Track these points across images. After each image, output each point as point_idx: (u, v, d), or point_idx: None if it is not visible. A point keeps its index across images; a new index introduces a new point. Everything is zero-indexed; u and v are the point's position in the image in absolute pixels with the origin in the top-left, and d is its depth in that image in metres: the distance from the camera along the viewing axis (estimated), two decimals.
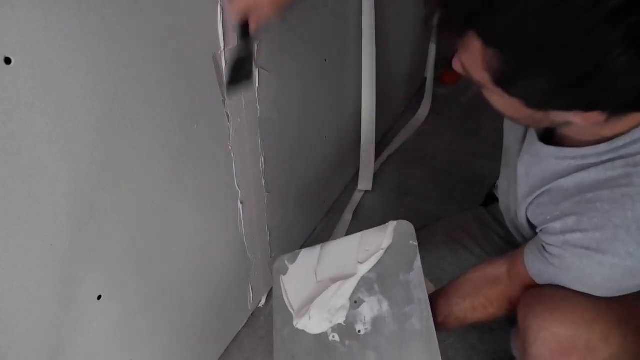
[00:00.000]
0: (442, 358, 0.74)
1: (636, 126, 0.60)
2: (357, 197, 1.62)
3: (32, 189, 0.57)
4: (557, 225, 0.67)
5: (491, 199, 1.11)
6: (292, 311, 0.87)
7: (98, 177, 0.66)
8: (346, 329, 0.80)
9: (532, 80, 0.52)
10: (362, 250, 0.86)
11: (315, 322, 0.82)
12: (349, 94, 1.51)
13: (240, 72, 0.80)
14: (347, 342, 0.80)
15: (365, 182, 1.66)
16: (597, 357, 0.65)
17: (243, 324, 1.21)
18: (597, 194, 0.62)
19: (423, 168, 1.83)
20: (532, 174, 0.75)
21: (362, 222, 1.52)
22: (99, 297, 0.72)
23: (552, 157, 0.70)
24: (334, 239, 1.45)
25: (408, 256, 0.81)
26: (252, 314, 1.24)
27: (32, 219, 0.58)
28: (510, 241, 0.99)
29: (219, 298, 1.06)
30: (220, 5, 0.78)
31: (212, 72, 0.82)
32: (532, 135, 0.74)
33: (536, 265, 0.72)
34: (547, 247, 0.70)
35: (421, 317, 0.77)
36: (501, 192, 0.94)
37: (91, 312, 0.72)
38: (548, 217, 0.70)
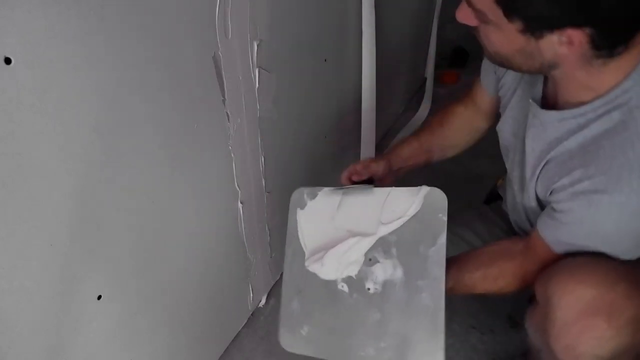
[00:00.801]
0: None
1: (624, 78, 0.65)
2: None
3: (32, 189, 0.57)
4: (565, 180, 0.71)
5: (494, 198, 1.12)
6: (305, 250, 0.85)
7: (98, 177, 0.66)
8: (356, 283, 0.80)
9: None
10: (387, 209, 0.83)
11: (327, 269, 0.82)
12: (349, 94, 1.51)
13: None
14: (354, 295, 0.79)
15: None
16: (621, 315, 0.67)
17: (243, 324, 1.21)
18: (599, 144, 0.67)
19: (423, 168, 1.82)
20: (538, 146, 0.78)
21: None
22: (99, 297, 0.72)
23: (555, 121, 0.74)
24: None
25: (433, 229, 0.78)
26: (252, 314, 1.24)
27: (32, 219, 0.58)
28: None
29: (219, 298, 1.06)
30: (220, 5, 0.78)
31: (212, 72, 0.82)
32: (535, 109, 0.78)
33: (551, 232, 0.75)
34: (556, 205, 0.72)
35: (432, 294, 0.75)
36: (508, 187, 0.95)
37: (91, 312, 0.72)
38: (556, 179, 0.73)
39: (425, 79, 2.23)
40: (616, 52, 0.63)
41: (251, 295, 1.19)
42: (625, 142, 0.65)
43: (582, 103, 0.70)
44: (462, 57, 2.62)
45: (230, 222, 1.02)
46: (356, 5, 1.38)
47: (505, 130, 0.90)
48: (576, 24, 0.60)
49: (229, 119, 0.90)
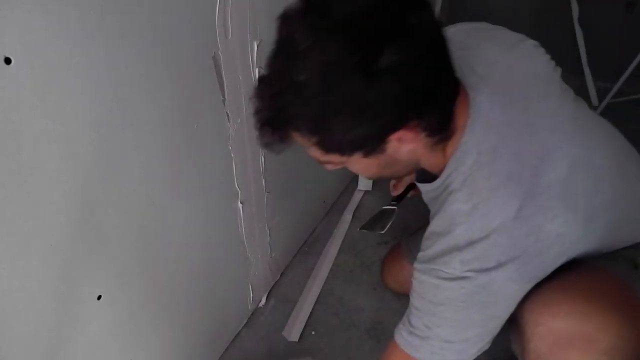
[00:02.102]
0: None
1: (450, 156, 0.69)
2: (357, 197, 1.62)
3: (32, 189, 0.57)
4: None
5: None
6: None
7: (98, 177, 0.66)
8: None
9: (340, 131, 0.59)
10: None
11: None
12: None
13: (377, 223, 1.11)
14: None
15: (365, 182, 1.66)
16: (596, 348, 0.65)
17: (243, 324, 1.21)
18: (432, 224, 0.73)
19: None
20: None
21: (362, 222, 1.52)
22: (99, 297, 0.72)
23: (426, 191, 0.79)
24: (334, 239, 1.46)
25: None
26: (252, 314, 1.24)
27: (32, 219, 0.58)
28: None
29: (219, 298, 1.06)
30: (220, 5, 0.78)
31: (212, 72, 0.82)
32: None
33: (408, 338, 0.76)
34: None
35: None
36: None
37: (91, 312, 0.72)
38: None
39: None
40: (447, 135, 0.66)
41: (251, 295, 1.19)
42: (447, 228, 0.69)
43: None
44: None
45: (230, 222, 1.02)
46: None
47: None
48: (396, 128, 0.61)
49: (229, 119, 0.90)
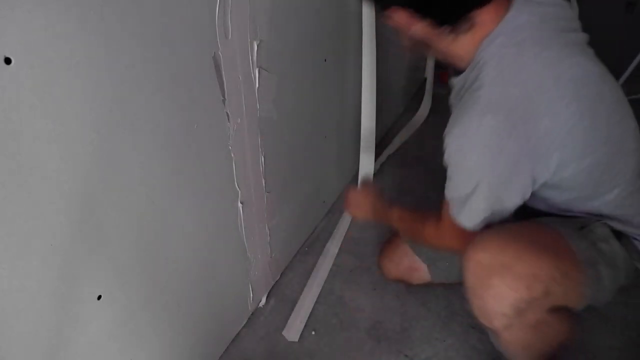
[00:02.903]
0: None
1: (475, 48, 0.83)
2: None
3: (32, 189, 0.57)
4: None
5: None
6: None
7: (98, 177, 0.66)
8: None
9: None
10: None
11: None
12: (349, 93, 1.51)
13: None
14: None
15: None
16: (513, 273, 0.79)
17: (243, 324, 1.21)
18: (462, 97, 0.84)
19: (423, 168, 1.83)
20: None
21: (362, 222, 1.52)
22: (99, 297, 0.72)
23: (456, 84, 0.90)
24: (334, 239, 1.46)
25: None
26: (252, 314, 1.24)
27: (32, 219, 0.58)
28: None
29: (219, 298, 1.06)
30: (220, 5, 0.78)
31: (212, 72, 0.82)
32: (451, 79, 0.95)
33: (448, 192, 0.89)
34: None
35: None
36: None
37: (91, 312, 0.72)
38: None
39: (425, 79, 2.23)
40: (461, 30, 0.82)
41: (251, 295, 1.19)
42: (472, 92, 0.80)
43: (464, 70, 0.87)
44: None
45: (230, 222, 1.02)
46: (356, 5, 1.38)
47: None
48: (400, 4, 0.82)
49: (229, 119, 0.90)
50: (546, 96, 0.76)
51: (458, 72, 0.89)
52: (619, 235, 0.90)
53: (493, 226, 0.87)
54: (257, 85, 0.96)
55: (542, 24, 0.80)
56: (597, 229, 0.88)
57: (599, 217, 0.90)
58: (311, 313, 1.24)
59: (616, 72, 1.78)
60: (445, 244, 0.96)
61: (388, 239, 1.31)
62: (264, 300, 1.27)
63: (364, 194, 1.26)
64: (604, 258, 0.86)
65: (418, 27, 0.84)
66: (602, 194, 0.87)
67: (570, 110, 0.77)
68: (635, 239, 0.91)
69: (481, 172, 0.81)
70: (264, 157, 1.07)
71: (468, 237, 0.86)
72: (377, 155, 1.73)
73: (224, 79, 0.85)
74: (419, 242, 1.14)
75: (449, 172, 0.86)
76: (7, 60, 0.50)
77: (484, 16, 0.80)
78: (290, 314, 1.24)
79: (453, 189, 0.88)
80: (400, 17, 0.84)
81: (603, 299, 0.89)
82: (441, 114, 2.14)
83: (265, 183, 1.10)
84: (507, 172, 0.80)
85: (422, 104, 2.15)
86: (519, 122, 0.76)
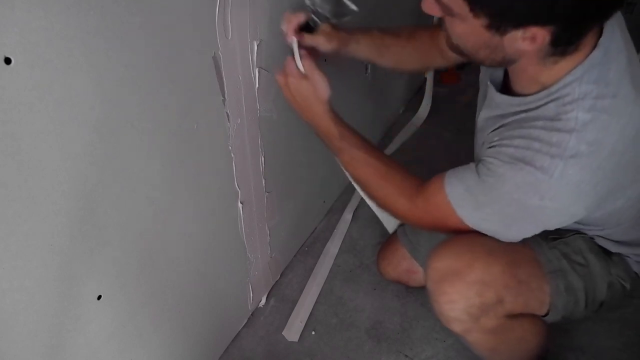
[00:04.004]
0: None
1: (566, 74, 0.70)
2: (357, 197, 1.62)
3: (32, 189, 0.57)
4: (495, 137, 0.78)
5: None
6: None
7: (98, 177, 0.66)
8: None
9: None
10: None
11: None
12: (349, 93, 1.51)
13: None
14: None
15: None
16: (464, 280, 0.80)
17: (243, 324, 1.21)
18: (533, 123, 0.73)
19: (423, 168, 1.82)
20: (486, 123, 0.85)
21: (362, 222, 1.52)
22: (99, 297, 0.72)
23: (505, 104, 0.80)
24: (334, 239, 1.46)
25: None
26: (252, 314, 1.24)
27: (32, 219, 0.58)
28: None
29: (219, 298, 1.06)
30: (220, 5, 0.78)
31: (212, 72, 0.82)
32: (492, 91, 0.84)
33: (457, 184, 0.80)
34: (483, 160, 0.77)
35: None
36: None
37: (91, 312, 0.72)
38: (495, 138, 0.79)
39: (425, 79, 2.23)
40: (569, 51, 0.68)
41: (251, 295, 1.19)
42: (554, 129, 0.70)
43: (530, 94, 0.75)
44: None
45: (230, 222, 1.02)
46: None
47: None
48: (540, 22, 0.63)
49: (229, 119, 0.90)
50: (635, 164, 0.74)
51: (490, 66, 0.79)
52: (608, 252, 0.89)
53: (457, 234, 0.84)
54: (257, 85, 0.96)
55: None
56: (575, 242, 0.87)
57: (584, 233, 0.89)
58: (311, 313, 1.24)
59: None
60: (412, 211, 0.86)
61: (386, 241, 1.31)
62: (264, 300, 1.28)
63: (312, 83, 0.90)
64: (578, 270, 0.85)
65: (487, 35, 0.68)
66: (614, 225, 0.86)
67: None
68: (628, 256, 0.90)
69: (511, 207, 0.75)
70: (264, 157, 1.07)
71: (438, 214, 0.82)
72: None
73: (224, 79, 0.85)
74: (369, 192, 0.95)
75: (483, 177, 0.76)
76: (7, 60, 0.50)
77: (588, 39, 0.68)
78: (290, 314, 1.24)
79: (467, 186, 0.78)
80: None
81: (579, 313, 0.88)
82: (441, 114, 2.14)
83: (265, 183, 1.10)
84: (535, 221, 0.77)
85: (422, 104, 2.15)
86: (604, 191, 0.73)
